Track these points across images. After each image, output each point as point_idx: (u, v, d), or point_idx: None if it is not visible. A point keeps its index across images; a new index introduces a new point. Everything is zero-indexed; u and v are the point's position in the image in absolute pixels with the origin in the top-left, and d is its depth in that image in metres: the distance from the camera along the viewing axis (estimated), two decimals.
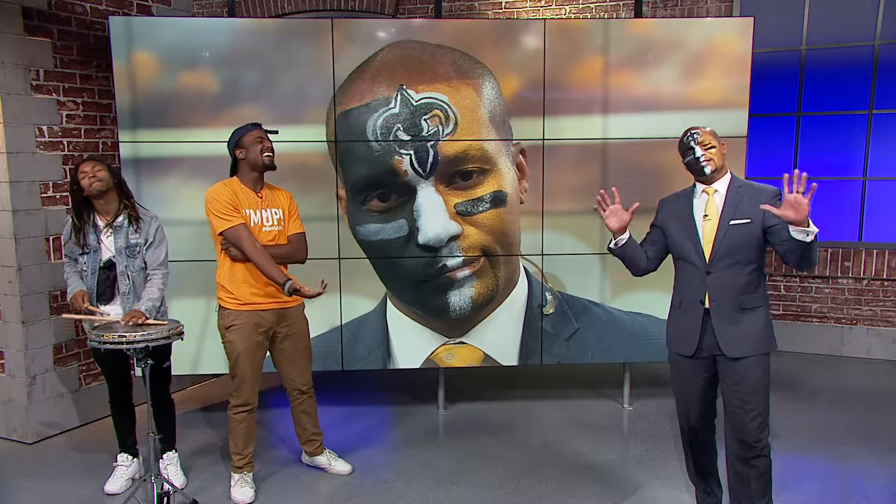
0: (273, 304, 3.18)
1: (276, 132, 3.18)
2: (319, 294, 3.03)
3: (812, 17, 5.28)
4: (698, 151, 2.61)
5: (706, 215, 2.65)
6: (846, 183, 5.35)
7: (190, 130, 3.84)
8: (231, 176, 3.19)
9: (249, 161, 3.11)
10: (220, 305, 3.18)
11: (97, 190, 3.06)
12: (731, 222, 2.59)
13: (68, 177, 3.98)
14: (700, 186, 2.69)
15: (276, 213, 3.19)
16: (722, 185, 2.66)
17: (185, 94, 3.81)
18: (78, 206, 3.12)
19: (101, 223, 3.14)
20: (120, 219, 3.14)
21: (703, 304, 2.63)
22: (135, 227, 3.13)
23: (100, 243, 3.13)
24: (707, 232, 2.64)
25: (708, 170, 2.60)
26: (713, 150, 2.61)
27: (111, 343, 2.80)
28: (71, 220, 3.15)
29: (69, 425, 4.06)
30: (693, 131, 2.64)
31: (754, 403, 2.58)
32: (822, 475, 3.42)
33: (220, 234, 3.08)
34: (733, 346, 2.59)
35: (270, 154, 3.12)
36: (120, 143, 3.83)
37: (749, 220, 2.57)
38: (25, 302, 3.81)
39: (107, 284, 3.15)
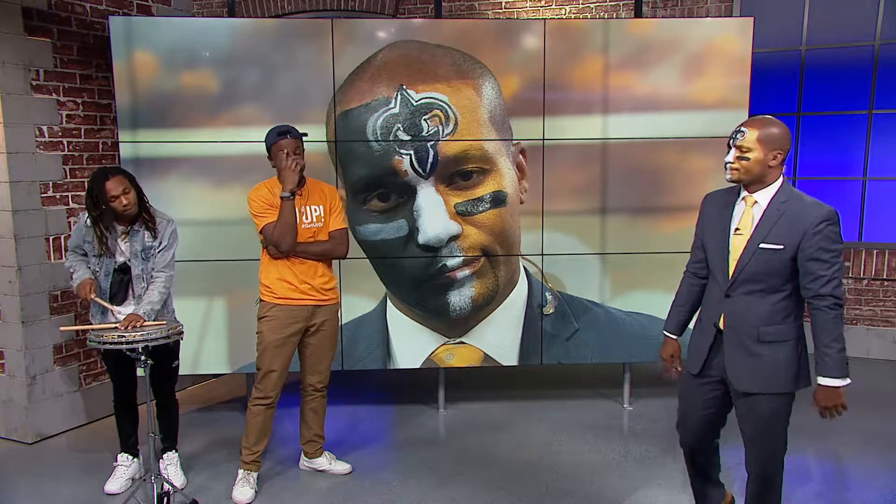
0: (308, 300, 3.20)
1: (306, 134, 3.17)
2: (299, 165, 3.03)
3: (812, 17, 5.28)
4: (730, 155, 2.29)
5: (738, 229, 2.33)
6: (846, 183, 5.35)
7: (190, 130, 3.83)
8: None
9: (279, 172, 3.13)
10: (259, 298, 3.23)
11: (129, 214, 3.08)
12: (761, 245, 2.26)
13: (68, 177, 3.99)
14: (743, 191, 2.35)
15: (315, 210, 3.19)
16: (765, 196, 2.29)
17: (185, 94, 3.81)
18: (100, 216, 3.04)
19: (118, 228, 3.13)
20: (137, 224, 3.14)
21: (717, 326, 2.40)
22: (152, 232, 3.14)
23: (115, 247, 3.13)
24: (735, 249, 2.32)
25: (727, 178, 2.31)
26: (746, 162, 2.26)
27: (110, 343, 2.82)
28: (95, 231, 3.06)
29: (69, 425, 4.06)
30: (739, 129, 2.29)
31: (762, 442, 2.37)
32: (822, 475, 3.42)
33: (261, 231, 3.11)
34: (742, 379, 2.33)
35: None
36: (120, 143, 3.83)
37: (782, 247, 2.22)
38: (25, 302, 3.81)
39: (120, 287, 3.14)
